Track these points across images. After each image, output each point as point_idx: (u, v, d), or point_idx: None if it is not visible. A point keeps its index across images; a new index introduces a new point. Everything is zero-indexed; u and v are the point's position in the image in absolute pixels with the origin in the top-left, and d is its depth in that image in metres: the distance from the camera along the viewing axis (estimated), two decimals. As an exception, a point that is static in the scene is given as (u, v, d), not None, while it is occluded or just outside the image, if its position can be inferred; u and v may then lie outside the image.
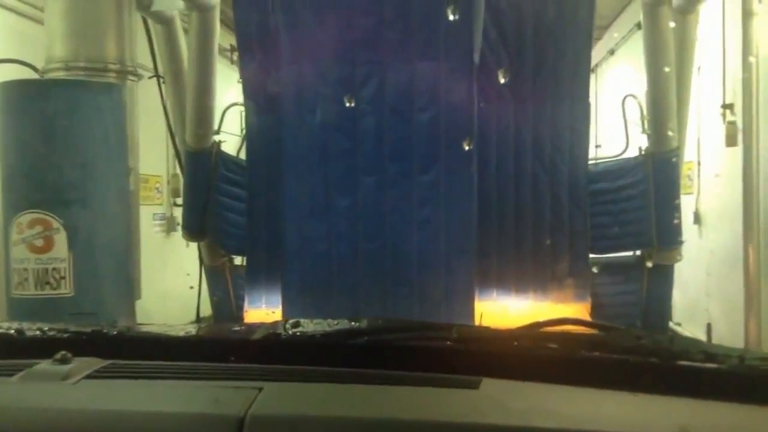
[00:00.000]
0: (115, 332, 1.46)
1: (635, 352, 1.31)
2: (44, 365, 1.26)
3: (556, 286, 4.63)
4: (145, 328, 1.52)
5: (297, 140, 4.38)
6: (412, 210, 4.24)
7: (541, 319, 1.51)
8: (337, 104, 4.25)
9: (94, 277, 4.30)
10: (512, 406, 1.16)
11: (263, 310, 4.71)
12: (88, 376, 1.25)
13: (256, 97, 4.80)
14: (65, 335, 1.44)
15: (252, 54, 4.76)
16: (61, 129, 4.26)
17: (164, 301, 7.22)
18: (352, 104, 4.22)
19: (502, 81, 4.51)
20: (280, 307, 4.45)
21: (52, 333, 1.45)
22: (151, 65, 5.21)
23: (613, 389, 1.21)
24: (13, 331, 1.48)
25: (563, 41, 4.60)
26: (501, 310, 4.54)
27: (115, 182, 4.50)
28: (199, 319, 5.45)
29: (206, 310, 5.47)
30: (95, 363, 1.30)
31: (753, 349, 1.31)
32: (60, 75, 4.73)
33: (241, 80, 5.03)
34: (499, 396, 1.20)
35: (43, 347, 1.33)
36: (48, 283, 4.17)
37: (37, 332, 1.45)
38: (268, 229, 4.76)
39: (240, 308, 4.96)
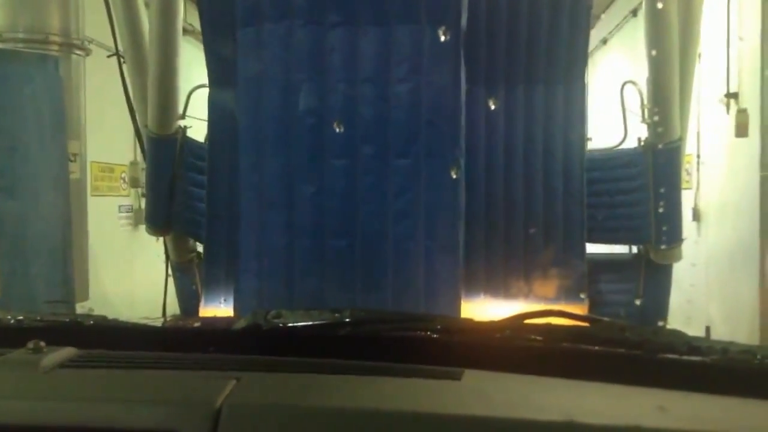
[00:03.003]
0: (90, 322, 1.52)
1: (619, 344, 1.40)
2: (17, 354, 1.33)
3: (550, 286, 4.58)
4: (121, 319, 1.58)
5: (254, 116, 4.10)
6: (388, 200, 3.99)
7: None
8: (299, 74, 4.00)
9: (25, 277, 4.07)
10: (494, 398, 1.24)
11: (221, 310, 4.56)
12: (62, 366, 1.32)
13: (217, 70, 4.60)
14: (39, 324, 1.50)
15: (213, 21, 4.56)
16: (-17, 106, 3.98)
17: (132, 297, 7.26)
18: (318, 74, 3.97)
19: (492, 55, 4.41)
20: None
21: (25, 322, 1.51)
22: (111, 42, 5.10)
23: (597, 381, 1.30)
24: (-15, 320, 1.54)
25: (560, 13, 4.52)
26: (488, 314, 4.37)
27: (50, 169, 4.24)
28: (165, 317, 5.39)
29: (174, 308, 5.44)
30: (69, 352, 1.36)
31: (737, 342, 1.39)
32: (-6, 46, 4.48)
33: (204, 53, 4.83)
34: (481, 387, 1.28)
35: (16, 336, 1.39)
36: (-31, 283, 3.91)
37: (11, 321, 1.51)
38: (229, 220, 4.55)
39: None
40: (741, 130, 6.25)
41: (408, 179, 3.97)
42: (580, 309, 4.59)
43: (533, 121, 4.61)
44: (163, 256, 5.24)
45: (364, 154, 3.99)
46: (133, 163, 8.69)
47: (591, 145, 4.94)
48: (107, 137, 7.31)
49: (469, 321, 1.66)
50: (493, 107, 4.46)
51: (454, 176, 3.95)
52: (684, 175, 6.51)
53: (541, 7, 4.50)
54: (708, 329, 6.87)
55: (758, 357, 1.36)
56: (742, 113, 6.30)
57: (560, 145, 4.64)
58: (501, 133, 4.56)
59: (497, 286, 4.58)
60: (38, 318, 1.54)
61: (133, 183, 8.71)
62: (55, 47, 4.63)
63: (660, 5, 4.51)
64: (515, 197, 4.59)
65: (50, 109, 4.25)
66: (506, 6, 4.48)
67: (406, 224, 3.99)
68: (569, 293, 4.61)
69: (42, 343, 1.35)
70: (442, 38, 3.92)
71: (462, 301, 4.11)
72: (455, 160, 3.98)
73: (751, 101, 6.37)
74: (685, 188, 6.85)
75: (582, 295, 4.63)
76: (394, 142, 3.98)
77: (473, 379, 1.30)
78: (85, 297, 4.79)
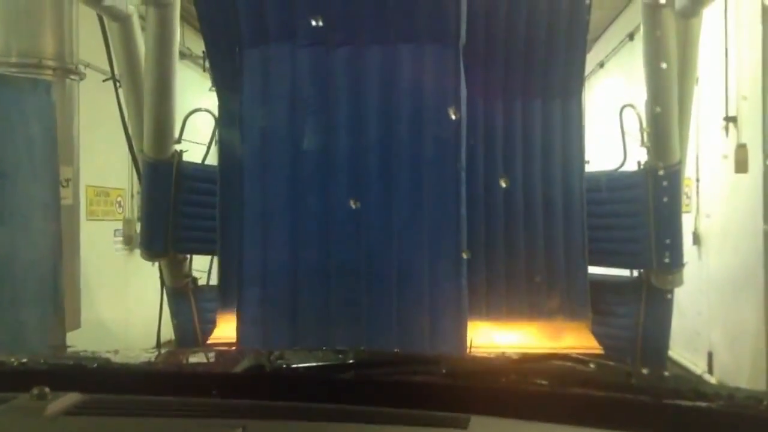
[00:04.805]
0: (94, 365, 1.53)
1: (625, 389, 1.41)
2: (22, 400, 1.34)
3: (553, 301, 4.61)
4: (124, 361, 1.59)
5: (262, 132, 4.22)
6: (392, 212, 4.10)
7: (536, 344, 1.59)
8: (304, 92, 4.14)
9: (13, 306, 3.99)
10: None
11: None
12: (67, 413, 1.32)
13: (224, 92, 4.70)
14: (43, 368, 1.51)
15: (218, 43, 4.66)
16: (-28, 132, 3.94)
17: (127, 322, 7.24)
18: (323, 92, 4.11)
19: (490, 70, 4.50)
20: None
21: (29, 365, 1.52)
22: (107, 66, 5.12)
23: (603, 428, 1.31)
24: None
25: (557, 30, 4.60)
26: (493, 330, 4.48)
27: (41, 195, 4.19)
28: (159, 345, 5.36)
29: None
30: (73, 398, 1.37)
31: (745, 387, 1.41)
32: (-13, 71, 4.45)
33: (209, 73, 4.93)
34: None
35: (19, 380, 1.40)
36: (-45, 313, 3.83)
37: (14, 364, 1.52)
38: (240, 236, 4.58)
39: (205, 332, 4.84)
40: (741, 167, 6.13)
41: (411, 192, 4.10)
42: (583, 326, 4.62)
43: (531, 135, 4.68)
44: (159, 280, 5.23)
45: (368, 168, 4.11)
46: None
47: (589, 169, 4.96)
48: (103, 161, 7.32)
49: (474, 363, 1.68)
50: (503, 186, 4.56)
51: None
52: (683, 199, 6.54)
53: (539, 24, 4.59)
54: (710, 355, 6.86)
55: (764, 403, 1.37)
56: (741, 148, 6.18)
57: (559, 159, 4.71)
58: (500, 147, 4.64)
59: (499, 302, 4.61)
60: (42, 361, 1.55)
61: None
62: (49, 72, 4.57)
63: (658, 30, 4.56)
64: (515, 211, 4.66)
65: (42, 134, 4.19)
66: (504, 23, 4.57)
67: (410, 235, 4.09)
68: (573, 309, 4.64)
69: (46, 389, 1.36)
70: (443, 56, 4.06)
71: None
72: (457, 172, 4.07)
73: (751, 124, 6.39)
74: (685, 212, 6.86)
75: (586, 313, 4.64)
76: (398, 157, 4.11)
77: (480, 426, 1.31)
78: (77, 325, 4.67)
